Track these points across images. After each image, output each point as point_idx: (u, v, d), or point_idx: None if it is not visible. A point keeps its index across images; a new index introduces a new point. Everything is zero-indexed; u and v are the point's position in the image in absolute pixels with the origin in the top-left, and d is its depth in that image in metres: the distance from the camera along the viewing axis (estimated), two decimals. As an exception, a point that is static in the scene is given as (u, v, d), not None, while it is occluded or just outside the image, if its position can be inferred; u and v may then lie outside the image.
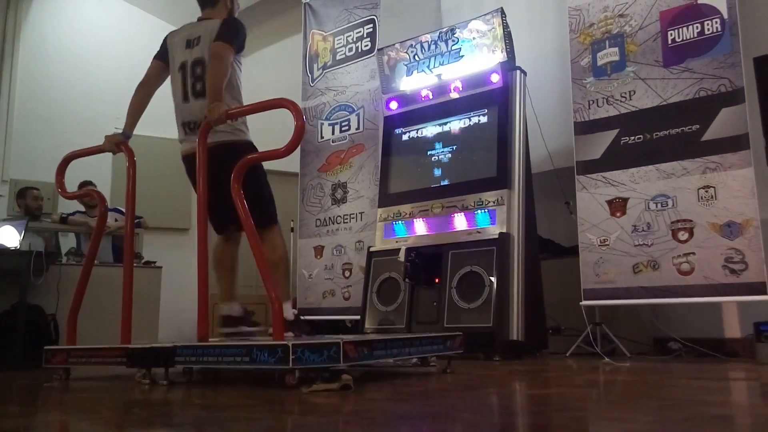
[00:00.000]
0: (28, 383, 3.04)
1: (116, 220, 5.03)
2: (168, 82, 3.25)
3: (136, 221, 3.53)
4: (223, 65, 2.91)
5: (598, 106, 4.06)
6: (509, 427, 1.60)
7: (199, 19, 3.23)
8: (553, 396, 2.18)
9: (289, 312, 3.02)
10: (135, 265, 3.35)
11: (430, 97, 4.71)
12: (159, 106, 3.32)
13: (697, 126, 3.64)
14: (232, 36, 3.02)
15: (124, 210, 3.62)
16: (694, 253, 3.54)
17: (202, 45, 3.09)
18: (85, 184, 4.93)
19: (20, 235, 4.34)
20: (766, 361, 3.22)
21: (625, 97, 3.95)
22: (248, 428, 1.55)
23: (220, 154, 2.91)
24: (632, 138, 3.88)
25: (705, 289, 3.48)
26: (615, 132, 3.95)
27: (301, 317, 3.25)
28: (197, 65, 3.09)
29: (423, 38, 4.81)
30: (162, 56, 3.24)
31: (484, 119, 4.41)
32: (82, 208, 5.41)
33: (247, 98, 3.17)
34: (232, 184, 2.58)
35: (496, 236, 3.98)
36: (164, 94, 3.29)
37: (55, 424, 1.79)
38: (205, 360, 2.47)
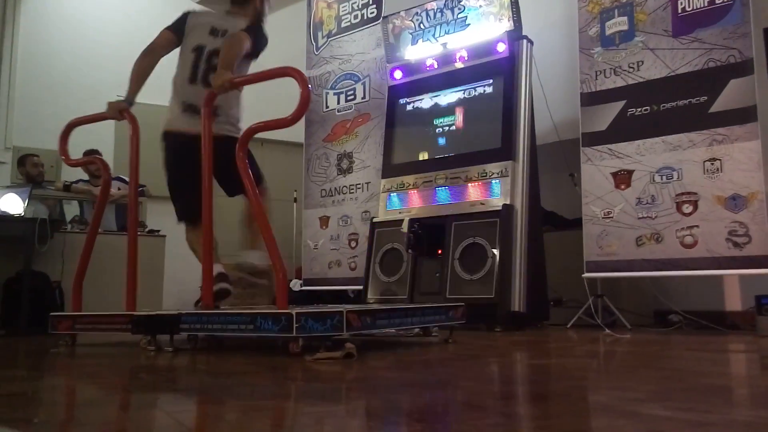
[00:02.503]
0: (34, 349, 3.08)
1: (119, 189, 5.03)
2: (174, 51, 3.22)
3: (139, 190, 3.53)
4: (240, 45, 2.90)
5: (605, 76, 4.01)
6: (510, 395, 1.62)
7: (227, 12, 3.20)
8: (553, 366, 2.20)
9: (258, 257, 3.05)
10: (139, 233, 3.36)
11: (435, 66, 4.66)
12: (163, 74, 3.29)
13: (705, 97, 3.60)
14: (254, 36, 3.02)
15: (127, 179, 3.61)
16: (697, 226, 3.54)
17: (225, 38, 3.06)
18: (90, 152, 4.92)
19: (24, 203, 4.35)
20: (766, 333, 3.23)
21: (633, 68, 3.90)
22: (253, 394, 1.57)
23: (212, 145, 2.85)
24: (639, 109, 3.84)
25: (708, 262, 3.48)
26: (622, 103, 3.91)
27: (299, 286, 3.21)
28: (214, 55, 3.04)
29: (429, 6, 4.74)
30: (176, 30, 3.18)
31: (489, 89, 4.36)
32: (85, 177, 5.41)
33: (251, 68, 3.14)
34: (237, 152, 2.58)
35: (500, 208, 3.97)
36: (168, 63, 3.26)
37: (63, 388, 1.82)
38: (210, 327, 2.49)
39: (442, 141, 4.52)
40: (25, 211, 4.34)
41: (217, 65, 2.93)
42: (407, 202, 4.51)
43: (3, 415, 1.25)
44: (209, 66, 3.04)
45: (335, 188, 5.31)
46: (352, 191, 5.19)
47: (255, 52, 3.07)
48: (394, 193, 4.58)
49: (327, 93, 5.46)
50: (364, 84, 5.24)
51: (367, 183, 5.09)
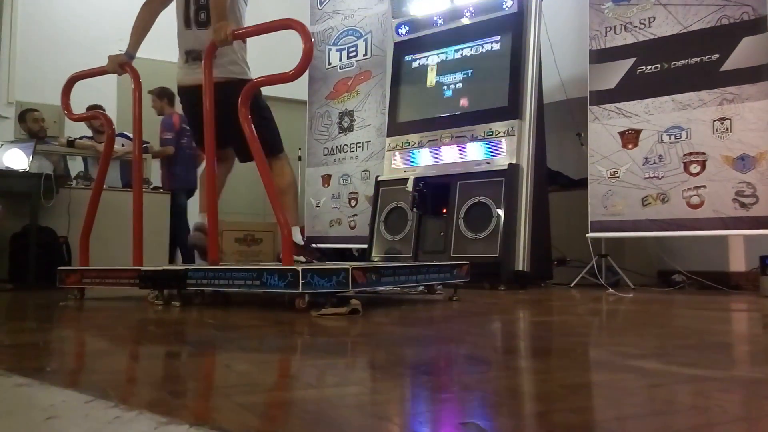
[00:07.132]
0: (43, 302, 3.12)
1: (123, 146, 5.00)
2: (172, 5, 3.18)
3: (143, 146, 3.52)
4: None
5: (615, 33, 3.93)
6: (513, 350, 1.64)
7: None
8: (556, 323, 2.22)
9: (298, 236, 3.08)
10: (144, 190, 3.36)
11: (442, 22, 4.57)
12: (164, 29, 3.24)
13: (717, 55, 3.54)
14: None
15: (130, 135, 3.59)
16: (705, 186, 3.52)
17: None
18: (93, 107, 4.88)
19: (28, 158, 4.34)
20: (769, 293, 3.25)
21: (644, 24, 3.82)
22: (260, 347, 1.60)
23: (219, 91, 2.81)
24: (649, 67, 3.78)
25: (714, 223, 3.48)
26: (632, 61, 3.84)
27: (312, 244, 3.27)
28: None
29: (436, -41, 4.62)
30: None
31: (496, 46, 4.29)
32: (89, 133, 5.38)
33: (252, 21, 3.09)
34: (239, 107, 2.55)
35: (505, 167, 3.95)
36: (170, 18, 3.21)
37: (73, 340, 1.85)
38: (216, 283, 2.51)
39: (447, 99, 4.46)
40: (29, 166, 4.33)
41: (204, 3, 2.94)
42: (412, 161, 4.49)
43: (16, 364, 1.28)
44: (199, 6, 3.03)
45: (337, 146, 5.29)
46: (352, 150, 5.17)
47: None
48: (399, 152, 4.56)
49: (329, 49, 5.38)
50: (365, 40, 5.16)
51: (367, 142, 5.07)
